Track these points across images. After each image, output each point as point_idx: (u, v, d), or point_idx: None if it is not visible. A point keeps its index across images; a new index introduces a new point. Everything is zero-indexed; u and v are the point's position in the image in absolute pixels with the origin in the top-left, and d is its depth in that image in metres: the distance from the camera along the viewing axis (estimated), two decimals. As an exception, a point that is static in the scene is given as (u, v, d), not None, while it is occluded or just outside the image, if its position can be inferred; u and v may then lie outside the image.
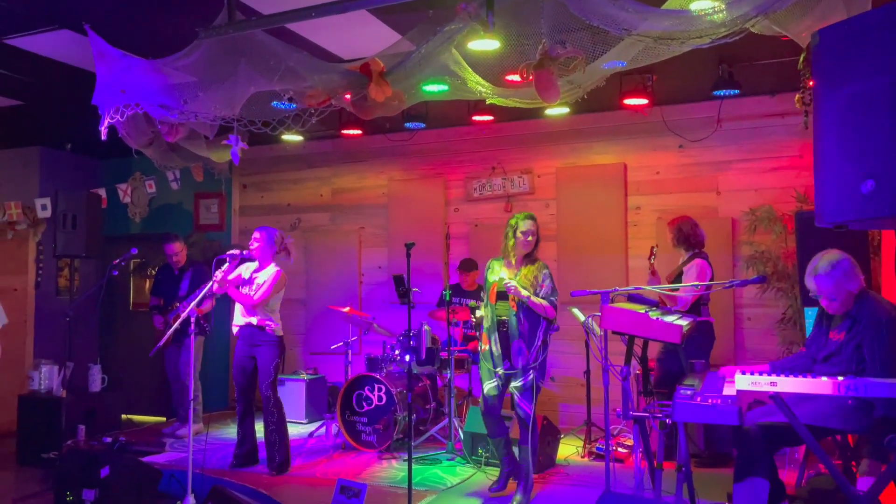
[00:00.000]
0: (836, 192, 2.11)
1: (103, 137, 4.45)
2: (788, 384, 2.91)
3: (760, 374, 3.00)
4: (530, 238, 4.38)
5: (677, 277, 5.15)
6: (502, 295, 4.36)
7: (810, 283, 3.46)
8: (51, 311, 7.70)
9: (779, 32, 3.38)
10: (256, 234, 5.20)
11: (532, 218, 4.44)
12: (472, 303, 4.68)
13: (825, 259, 3.42)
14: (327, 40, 4.86)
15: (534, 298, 4.26)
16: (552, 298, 4.33)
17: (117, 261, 5.65)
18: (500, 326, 4.36)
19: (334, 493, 3.72)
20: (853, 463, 3.77)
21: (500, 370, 4.32)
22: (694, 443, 5.14)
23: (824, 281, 3.39)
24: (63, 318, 6.13)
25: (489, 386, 4.38)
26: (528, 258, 4.42)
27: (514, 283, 4.26)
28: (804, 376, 2.98)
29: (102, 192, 7.52)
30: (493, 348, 4.35)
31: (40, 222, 7.68)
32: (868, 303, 3.36)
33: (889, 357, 3.21)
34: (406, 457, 4.52)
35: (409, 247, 4.13)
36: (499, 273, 4.44)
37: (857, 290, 3.38)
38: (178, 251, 6.51)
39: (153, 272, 8.08)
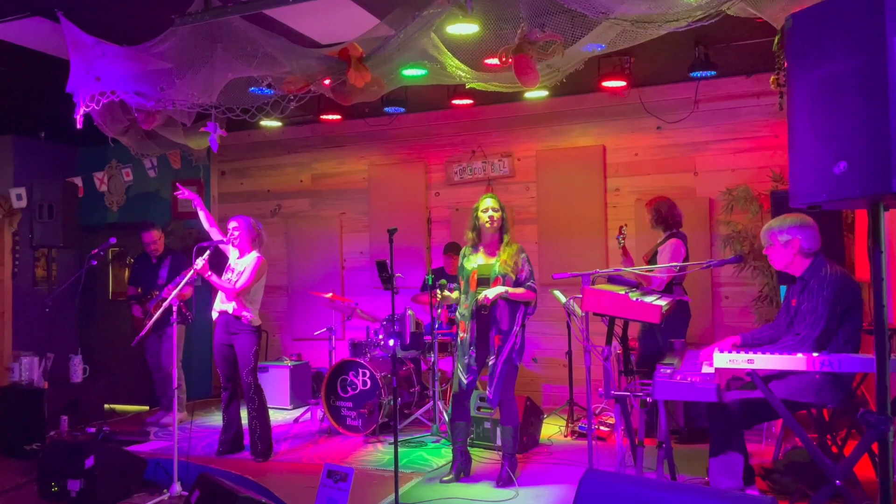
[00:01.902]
0: (809, 173, 2.15)
1: (79, 126, 4.41)
2: (765, 361, 2.98)
3: (738, 351, 3.07)
4: (492, 213, 4.38)
5: (653, 257, 5.22)
6: (483, 281, 4.38)
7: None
8: (29, 302, 7.62)
9: (754, 14, 3.42)
10: (235, 224, 5.19)
11: (492, 197, 4.48)
12: (442, 281, 4.69)
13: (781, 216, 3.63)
14: (304, 25, 4.81)
15: (513, 291, 4.29)
16: (530, 283, 4.36)
17: (96, 250, 5.59)
18: (480, 311, 4.37)
19: (321, 477, 3.75)
20: (828, 436, 3.87)
21: (472, 361, 4.36)
22: (674, 420, 5.25)
23: (763, 230, 3.67)
24: (42, 308, 6.07)
25: (462, 373, 4.42)
26: (503, 241, 4.42)
27: (487, 294, 4.27)
28: (780, 353, 3.06)
29: (78, 180, 7.43)
30: (468, 335, 4.38)
31: (15, 212, 7.57)
32: (820, 266, 3.47)
33: (819, 311, 3.33)
34: (391, 440, 4.58)
35: (391, 232, 4.14)
36: (476, 260, 4.46)
37: (797, 247, 3.49)
38: (156, 239, 6.47)
39: (132, 261, 8.01)
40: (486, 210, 4.40)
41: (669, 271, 4.90)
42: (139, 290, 6.48)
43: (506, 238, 4.43)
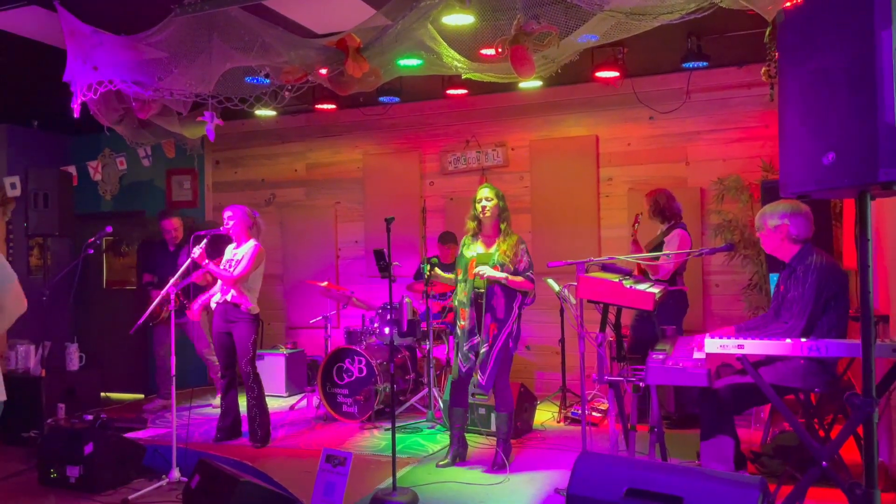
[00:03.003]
0: (799, 163, 2.22)
1: (76, 115, 4.42)
2: (754, 346, 3.05)
3: (728, 337, 3.14)
4: (486, 203, 4.47)
5: (657, 247, 5.30)
6: None
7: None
8: (23, 290, 7.60)
9: (745, 6, 3.47)
10: (229, 213, 5.22)
11: (488, 186, 4.56)
12: (433, 259, 4.78)
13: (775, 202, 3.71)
14: (301, 14, 4.83)
15: (511, 277, 4.36)
16: (529, 273, 4.43)
17: (92, 239, 5.61)
18: (478, 299, 4.45)
19: (320, 461, 3.81)
20: (815, 420, 3.96)
21: (471, 346, 4.45)
22: (664, 406, 5.34)
23: (757, 214, 3.74)
24: (37, 297, 6.07)
25: (460, 361, 4.51)
26: (501, 230, 4.49)
27: (484, 269, 4.35)
28: (769, 338, 3.14)
29: (72, 169, 7.43)
30: (466, 323, 4.45)
31: (9, 201, 7.57)
32: (807, 254, 3.55)
33: (805, 299, 3.41)
34: (386, 426, 4.64)
35: (388, 221, 4.19)
36: (475, 249, 4.53)
37: (786, 232, 3.58)
38: (177, 227, 6.55)
39: (126, 249, 8.02)
40: (481, 200, 4.49)
41: (675, 260, 4.98)
42: (155, 278, 6.51)
43: (503, 227, 4.50)
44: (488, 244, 4.52)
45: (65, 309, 7.47)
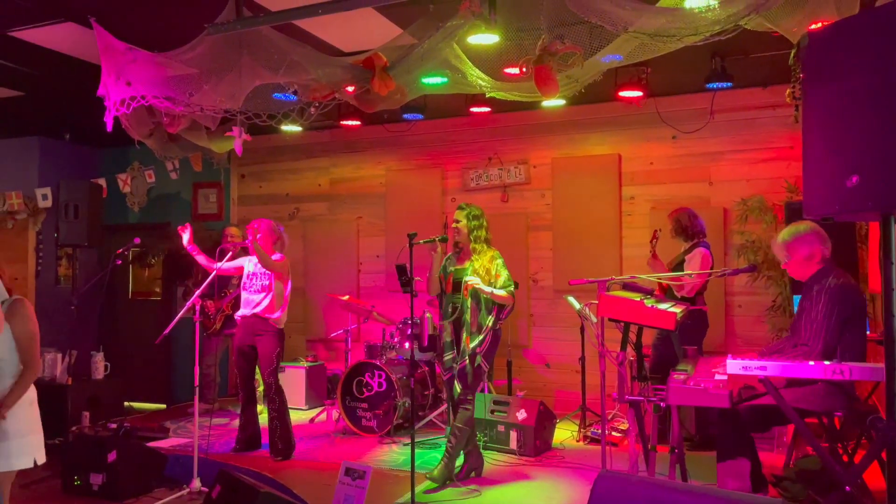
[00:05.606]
0: (822, 185, 2.23)
1: (108, 129, 4.52)
2: (777, 368, 3.04)
3: (750, 358, 3.13)
4: (455, 225, 4.61)
5: (678, 265, 5.29)
6: (457, 285, 4.56)
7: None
8: (51, 299, 7.76)
9: (770, 28, 3.49)
10: (255, 227, 5.29)
11: (460, 208, 4.65)
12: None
13: (791, 225, 3.69)
14: (328, 33, 4.92)
15: (496, 291, 4.42)
16: (510, 288, 4.48)
17: (121, 250, 5.73)
18: (454, 314, 4.55)
19: (340, 474, 3.83)
20: (839, 445, 3.91)
21: (447, 357, 4.56)
22: (686, 427, 5.30)
23: (778, 244, 3.71)
24: (65, 306, 6.21)
25: (446, 372, 4.60)
26: (474, 250, 4.55)
27: (475, 280, 4.41)
28: (791, 361, 3.12)
29: (103, 181, 7.59)
30: (446, 336, 4.57)
31: (40, 212, 7.75)
32: (826, 274, 3.52)
33: (819, 321, 3.38)
34: (406, 441, 4.65)
35: (411, 237, 4.24)
36: (453, 264, 4.64)
37: (820, 257, 3.55)
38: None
39: (152, 261, 8.15)
40: (452, 223, 4.65)
41: (701, 278, 4.97)
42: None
43: (474, 247, 4.57)
44: (461, 261, 4.63)
45: (92, 318, 7.61)
